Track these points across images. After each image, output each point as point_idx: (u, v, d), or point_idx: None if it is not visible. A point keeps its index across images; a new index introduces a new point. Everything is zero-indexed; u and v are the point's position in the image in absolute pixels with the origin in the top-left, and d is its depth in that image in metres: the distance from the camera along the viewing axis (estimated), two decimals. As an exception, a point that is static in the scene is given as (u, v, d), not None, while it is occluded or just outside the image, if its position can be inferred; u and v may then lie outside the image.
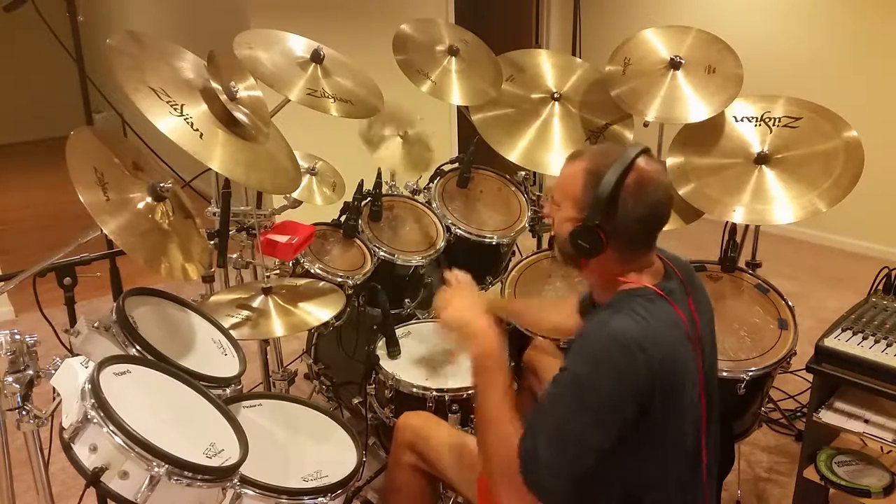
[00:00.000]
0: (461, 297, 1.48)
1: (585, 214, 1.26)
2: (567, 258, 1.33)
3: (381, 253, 2.24)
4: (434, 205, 2.47)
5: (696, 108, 2.22)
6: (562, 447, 1.18)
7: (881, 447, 1.79)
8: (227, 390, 1.52)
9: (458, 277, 1.59)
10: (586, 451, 1.19)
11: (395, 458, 1.66)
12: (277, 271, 1.98)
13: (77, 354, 1.34)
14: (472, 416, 1.90)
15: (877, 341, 1.72)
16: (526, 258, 2.39)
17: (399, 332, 2.08)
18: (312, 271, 2.11)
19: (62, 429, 1.17)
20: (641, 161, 1.26)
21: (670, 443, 1.27)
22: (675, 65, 2.30)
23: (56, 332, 1.66)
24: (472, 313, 1.39)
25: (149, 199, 1.47)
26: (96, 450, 1.14)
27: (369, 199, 2.34)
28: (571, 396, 1.20)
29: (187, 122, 1.50)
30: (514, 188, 2.63)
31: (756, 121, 2.26)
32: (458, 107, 2.94)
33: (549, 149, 2.43)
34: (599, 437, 1.19)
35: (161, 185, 1.48)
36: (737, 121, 2.27)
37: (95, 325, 1.40)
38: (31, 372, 1.32)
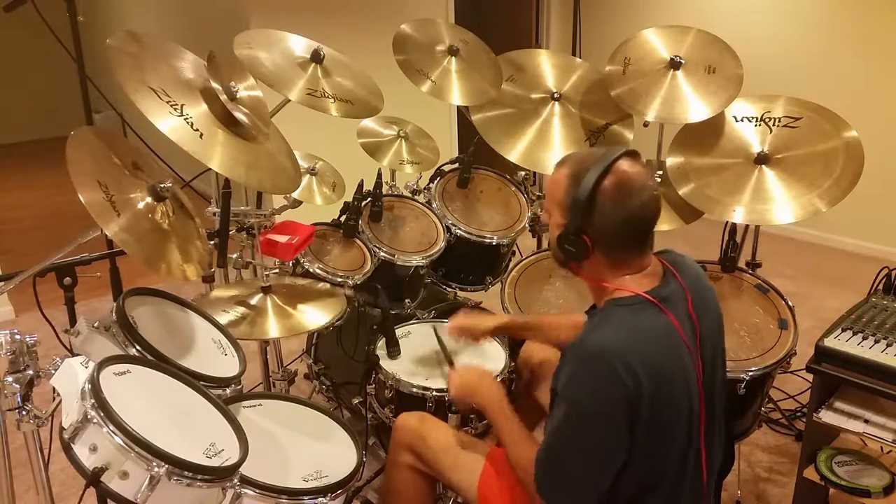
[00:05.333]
0: (465, 373, 1.65)
1: (568, 219, 1.27)
2: (561, 263, 1.34)
3: (382, 253, 2.24)
4: (434, 205, 2.47)
5: (696, 108, 2.21)
6: (585, 481, 1.27)
7: (881, 447, 1.79)
8: (227, 390, 1.52)
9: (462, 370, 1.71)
10: (606, 469, 1.25)
11: (393, 459, 1.66)
12: (277, 271, 1.98)
13: (77, 354, 1.34)
14: (472, 415, 1.91)
15: (877, 341, 1.72)
16: (526, 258, 2.39)
17: (399, 332, 2.08)
18: (312, 271, 2.11)
19: (62, 429, 1.17)
20: (624, 164, 1.25)
21: (666, 448, 1.27)
22: (675, 65, 2.29)
23: (56, 332, 1.66)
24: (476, 382, 1.59)
25: (149, 199, 1.47)
26: (96, 450, 1.14)
27: (369, 199, 2.34)
28: (572, 426, 1.24)
29: (187, 122, 1.50)
30: (514, 188, 2.63)
31: (756, 121, 2.25)
32: (458, 107, 2.94)
33: (549, 149, 2.43)
34: (612, 454, 1.24)
35: (161, 185, 1.48)
36: (737, 121, 2.27)
37: (95, 325, 1.40)
38: (31, 372, 1.32)
